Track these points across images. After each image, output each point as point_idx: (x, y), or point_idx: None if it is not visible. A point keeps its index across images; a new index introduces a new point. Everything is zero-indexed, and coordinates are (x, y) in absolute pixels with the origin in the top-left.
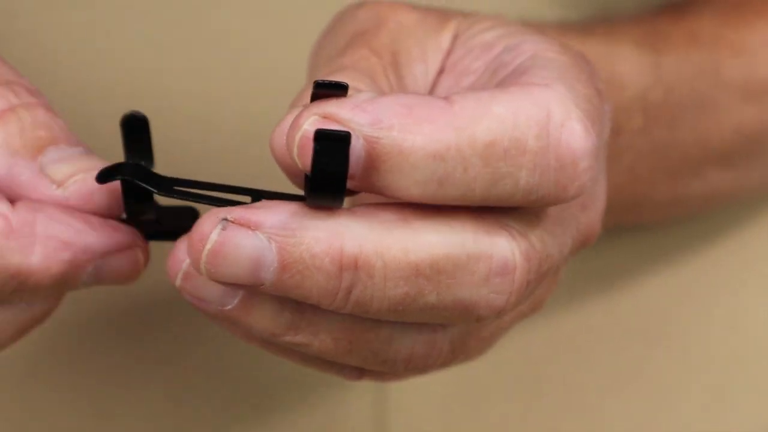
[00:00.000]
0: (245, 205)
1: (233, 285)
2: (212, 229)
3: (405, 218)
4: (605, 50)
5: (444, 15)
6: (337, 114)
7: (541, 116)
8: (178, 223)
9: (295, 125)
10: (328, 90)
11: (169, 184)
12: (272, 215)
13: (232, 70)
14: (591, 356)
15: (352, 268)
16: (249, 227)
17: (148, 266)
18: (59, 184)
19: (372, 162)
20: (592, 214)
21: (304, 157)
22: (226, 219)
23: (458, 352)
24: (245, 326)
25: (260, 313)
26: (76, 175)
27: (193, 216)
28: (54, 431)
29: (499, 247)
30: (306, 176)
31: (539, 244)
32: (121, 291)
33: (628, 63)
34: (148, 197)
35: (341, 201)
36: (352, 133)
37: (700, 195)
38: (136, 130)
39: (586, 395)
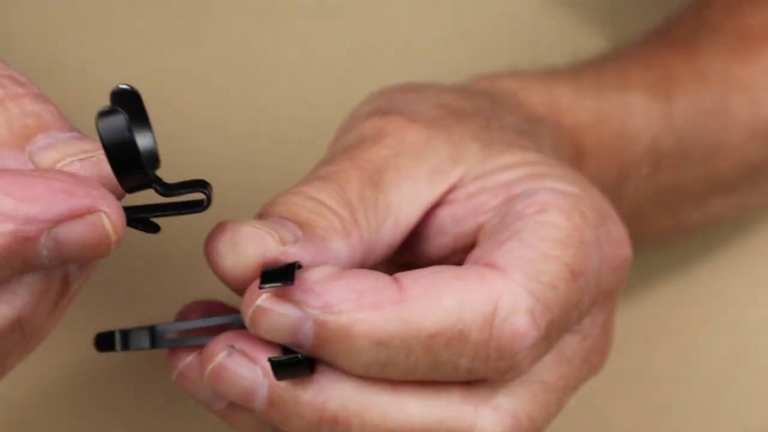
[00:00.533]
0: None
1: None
2: (220, 351)
3: (395, 385)
4: (617, 105)
5: (454, 142)
6: (291, 295)
7: (487, 309)
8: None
9: (248, 301)
10: (275, 276)
11: (153, 332)
12: (275, 352)
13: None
14: None
15: (331, 422)
16: (250, 360)
17: (151, 263)
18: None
19: (319, 341)
20: (594, 361)
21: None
22: (232, 346)
23: None
24: (230, 426)
25: (243, 421)
26: (63, 160)
27: (203, 186)
28: (54, 431)
29: (482, 427)
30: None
31: (527, 421)
32: (121, 291)
33: (640, 116)
34: (144, 176)
35: (309, 374)
36: (303, 313)
37: (701, 222)
38: (127, 104)
39: (586, 395)
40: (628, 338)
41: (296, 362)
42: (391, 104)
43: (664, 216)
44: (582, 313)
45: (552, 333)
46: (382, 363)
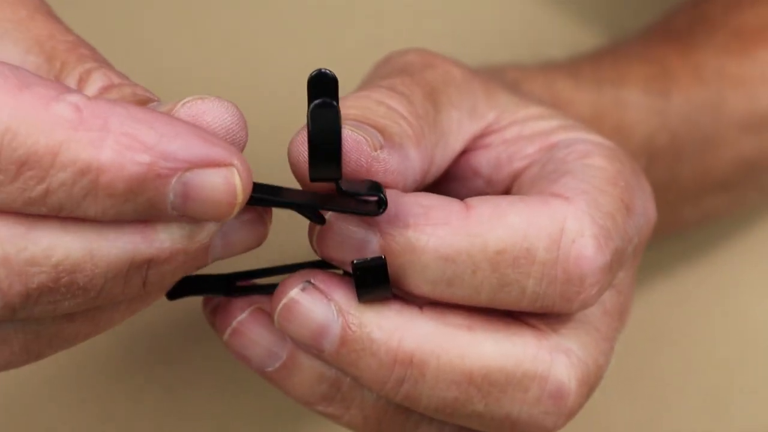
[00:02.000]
0: (332, 272)
1: (296, 343)
2: (294, 287)
3: (470, 325)
4: (615, 100)
5: (486, 86)
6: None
7: (554, 229)
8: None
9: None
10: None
11: (228, 282)
12: (350, 291)
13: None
14: None
15: (406, 363)
16: (326, 296)
17: None
18: (168, 111)
19: (388, 255)
20: (625, 319)
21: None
22: (308, 281)
23: None
24: (282, 389)
25: (298, 381)
26: (184, 98)
27: (378, 189)
28: (54, 431)
29: (556, 371)
30: (353, 276)
31: (595, 369)
32: None
33: (636, 111)
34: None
35: (389, 293)
36: (369, 228)
37: (697, 218)
38: (323, 89)
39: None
40: (628, 338)
41: (379, 266)
42: (428, 50)
43: (661, 211)
44: (631, 253)
45: (614, 263)
46: (448, 280)
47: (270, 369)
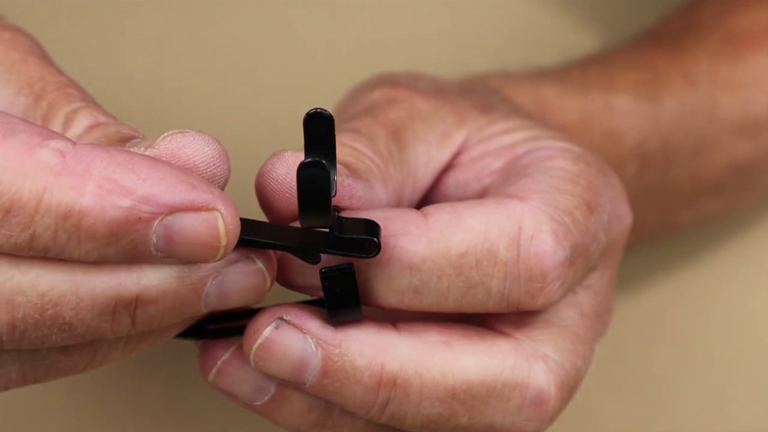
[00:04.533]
0: (302, 305)
1: (277, 379)
2: (267, 324)
3: (448, 341)
4: (603, 104)
5: (457, 111)
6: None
7: (512, 228)
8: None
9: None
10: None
11: (198, 325)
12: (323, 321)
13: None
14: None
15: (390, 384)
16: (301, 330)
17: None
18: (148, 146)
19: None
20: (605, 319)
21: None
22: (281, 318)
23: None
24: (272, 420)
25: (287, 412)
26: (163, 133)
27: (375, 233)
28: (54, 431)
29: (535, 378)
30: (323, 300)
31: (573, 372)
32: None
33: (626, 116)
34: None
35: (360, 313)
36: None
37: (692, 222)
38: (318, 128)
39: (586, 395)
40: (627, 338)
41: (348, 272)
42: (394, 80)
43: (654, 214)
44: (599, 252)
45: (577, 258)
46: (415, 288)
47: (259, 403)
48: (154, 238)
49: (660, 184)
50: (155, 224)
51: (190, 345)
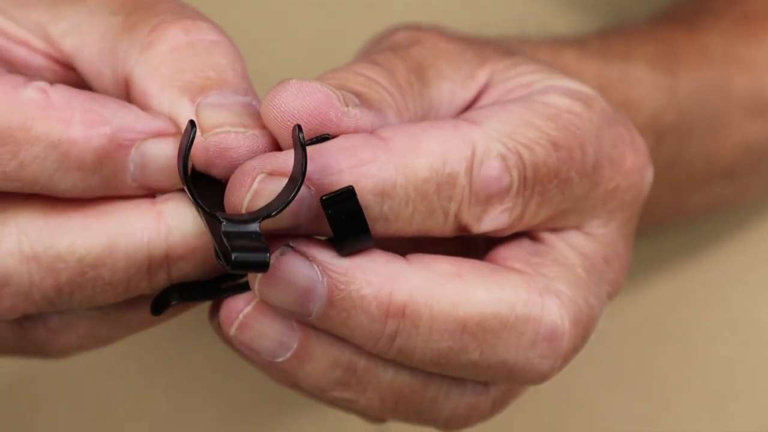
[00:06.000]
0: (310, 237)
1: (283, 311)
2: (274, 252)
3: (459, 272)
4: (622, 73)
5: (481, 53)
6: (280, 168)
7: (467, 153)
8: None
9: (242, 184)
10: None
11: (214, 285)
12: (331, 250)
13: None
14: (592, 357)
15: (399, 315)
16: (307, 257)
17: None
18: (204, 130)
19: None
20: (616, 267)
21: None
22: (287, 245)
23: (496, 410)
24: (295, 379)
25: (311, 369)
26: (222, 126)
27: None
28: (54, 431)
29: (549, 312)
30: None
31: (586, 309)
32: None
33: (643, 86)
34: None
35: (371, 238)
36: (304, 186)
37: (703, 205)
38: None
39: (586, 395)
40: (628, 338)
41: (350, 194)
42: (417, 25)
43: (666, 193)
44: (568, 190)
45: (527, 191)
46: (385, 216)
47: (281, 359)
48: (131, 166)
49: (674, 161)
50: (132, 151)
51: (191, 345)
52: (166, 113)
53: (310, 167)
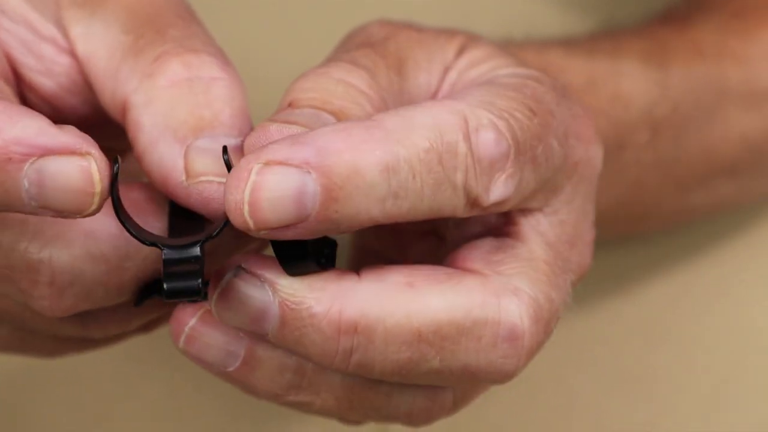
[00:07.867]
0: (263, 256)
1: (240, 331)
2: (226, 273)
3: (412, 281)
4: (610, 68)
5: (450, 32)
6: (275, 158)
7: (460, 122)
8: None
9: (240, 179)
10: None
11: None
12: (278, 272)
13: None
14: (592, 357)
15: (351, 331)
16: (258, 279)
17: None
18: (188, 176)
19: (329, 193)
20: (581, 249)
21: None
22: (240, 267)
23: (461, 404)
24: (249, 386)
25: (260, 375)
26: (206, 176)
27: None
28: (54, 431)
29: (507, 312)
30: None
31: (547, 304)
32: None
33: (634, 80)
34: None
35: (313, 265)
36: (300, 170)
37: (706, 204)
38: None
39: (586, 396)
40: (627, 338)
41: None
42: (390, 20)
43: (669, 190)
44: (553, 165)
45: (521, 156)
46: (395, 192)
47: (231, 368)
48: (25, 183)
49: (674, 156)
50: (26, 167)
51: None
52: (154, 151)
53: (303, 152)
